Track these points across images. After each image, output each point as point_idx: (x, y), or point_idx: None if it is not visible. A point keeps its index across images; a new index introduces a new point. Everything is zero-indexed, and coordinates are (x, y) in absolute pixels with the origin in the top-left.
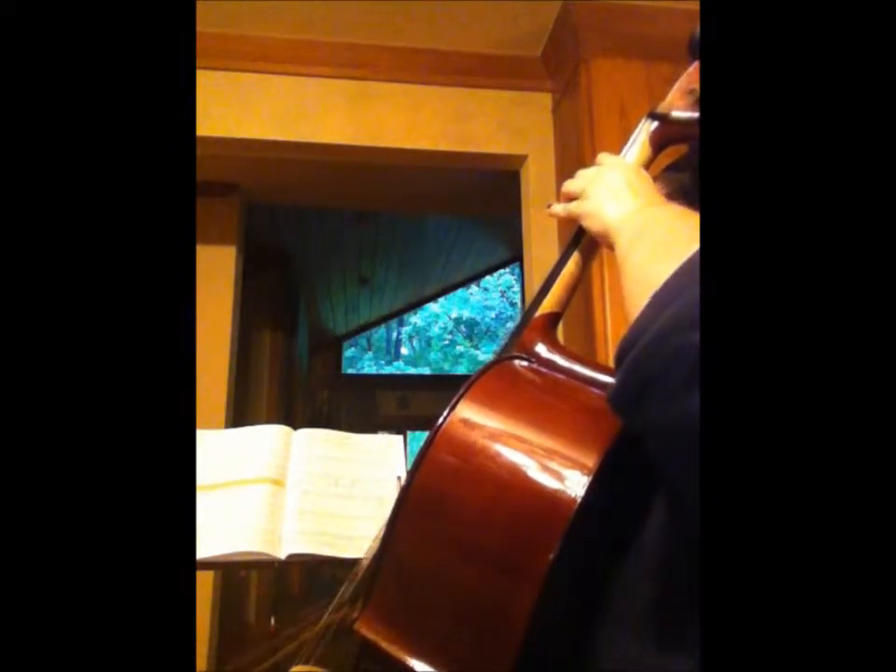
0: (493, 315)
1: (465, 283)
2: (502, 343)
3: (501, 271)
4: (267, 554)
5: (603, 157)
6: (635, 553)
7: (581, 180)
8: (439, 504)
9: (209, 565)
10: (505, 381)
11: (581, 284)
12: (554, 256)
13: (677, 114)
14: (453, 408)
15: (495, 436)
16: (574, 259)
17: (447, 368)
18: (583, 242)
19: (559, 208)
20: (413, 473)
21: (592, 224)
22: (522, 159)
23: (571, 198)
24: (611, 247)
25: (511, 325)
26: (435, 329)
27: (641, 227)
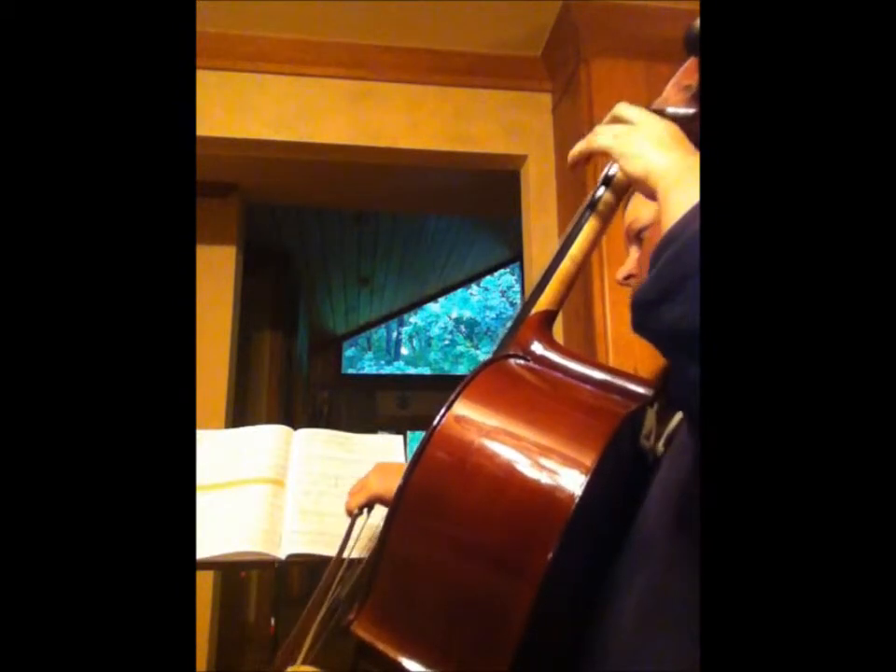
0: (493, 315)
1: (465, 283)
2: (499, 341)
3: (501, 271)
4: (267, 554)
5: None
6: (633, 548)
7: (611, 129)
8: (436, 503)
9: (209, 565)
10: (501, 379)
11: (582, 283)
12: None
13: (672, 110)
14: (449, 407)
15: (491, 434)
16: (577, 246)
17: (447, 368)
18: (600, 203)
19: (582, 145)
20: (409, 472)
21: (633, 165)
22: (522, 159)
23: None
24: (646, 191)
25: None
26: (435, 329)
27: (688, 170)
